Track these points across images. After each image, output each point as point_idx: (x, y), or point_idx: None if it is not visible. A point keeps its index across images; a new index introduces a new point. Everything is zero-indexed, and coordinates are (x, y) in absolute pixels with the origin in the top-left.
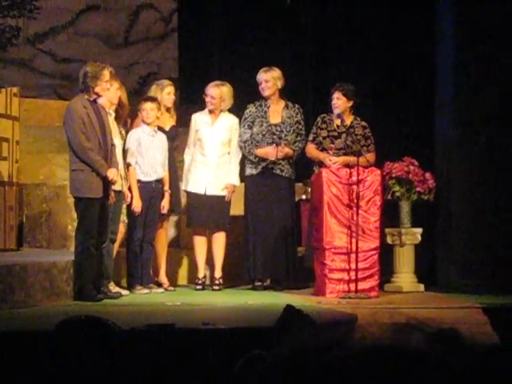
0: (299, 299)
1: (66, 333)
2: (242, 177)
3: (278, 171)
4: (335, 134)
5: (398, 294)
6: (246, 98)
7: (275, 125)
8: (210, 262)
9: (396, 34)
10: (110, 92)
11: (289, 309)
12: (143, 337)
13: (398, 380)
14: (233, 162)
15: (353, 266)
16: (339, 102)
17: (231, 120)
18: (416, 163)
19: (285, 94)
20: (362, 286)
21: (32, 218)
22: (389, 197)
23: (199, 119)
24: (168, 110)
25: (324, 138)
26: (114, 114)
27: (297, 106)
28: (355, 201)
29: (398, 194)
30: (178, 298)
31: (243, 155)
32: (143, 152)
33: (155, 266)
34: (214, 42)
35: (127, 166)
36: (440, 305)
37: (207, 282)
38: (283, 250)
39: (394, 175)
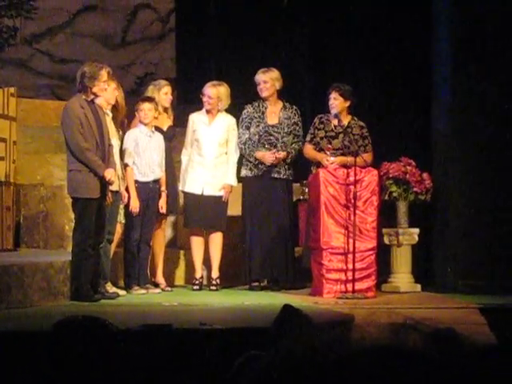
0: (296, 299)
1: (64, 333)
2: (239, 177)
3: (275, 174)
4: (332, 134)
5: (395, 295)
6: (243, 98)
7: (272, 126)
8: (207, 262)
9: (394, 34)
10: (107, 92)
11: (287, 308)
12: (140, 337)
13: (395, 380)
14: (230, 163)
15: (350, 266)
16: (336, 102)
17: (228, 120)
18: (413, 163)
19: (282, 94)
20: (359, 286)
21: (29, 219)
22: (386, 197)
23: (196, 119)
24: (165, 110)
25: (321, 138)
26: (111, 114)
27: (294, 107)
28: (352, 201)
29: (395, 194)
30: (175, 298)
31: (243, 156)
32: (141, 152)
33: (152, 266)
34: (211, 42)
35: (125, 166)
36: (437, 305)
37: (204, 282)
38: (280, 250)
39: (391, 175)
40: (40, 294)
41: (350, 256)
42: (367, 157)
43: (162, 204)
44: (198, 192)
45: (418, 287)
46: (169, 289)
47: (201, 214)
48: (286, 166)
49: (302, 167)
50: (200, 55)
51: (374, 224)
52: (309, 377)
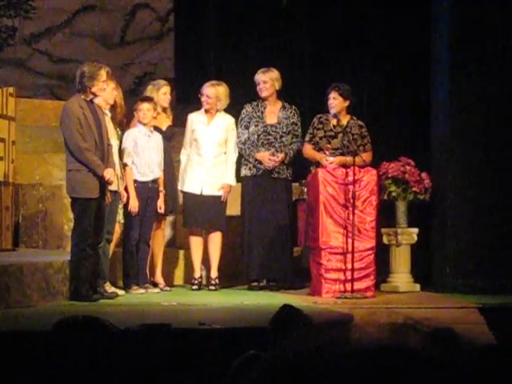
0: (295, 299)
1: (64, 333)
2: (238, 177)
3: (275, 174)
4: (332, 134)
5: (395, 294)
6: (242, 98)
7: (271, 125)
8: (206, 262)
9: (393, 34)
10: (105, 92)
11: (285, 308)
12: (139, 337)
13: (394, 380)
14: (229, 162)
15: (349, 265)
16: (335, 101)
17: (227, 120)
18: (412, 163)
19: (281, 94)
20: (357, 285)
21: (28, 218)
22: (385, 197)
23: (195, 119)
24: (164, 110)
25: (321, 138)
26: (110, 114)
27: (294, 107)
28: (351, 201)
29: (394, 193)
30: (174, 298)
31: (242, 156)
32: (140, 152)
33: (151, 266)
34: (210, 42)
35: (124, 166)
36: (436, 305)
37: (203, 282)
38: (279, 250)
39: (390, 175)
40: (39, 294)
41: (349, 256)
42: (366, 156)
43: (160, 204)
44: (197, 192)
45: (417, 287)
46: (168, 288)
47: (200, 213)
48: (285, 166)
49: (301, 167)
50: (199, 55)
51: (373, 224)
52: (308, 377)
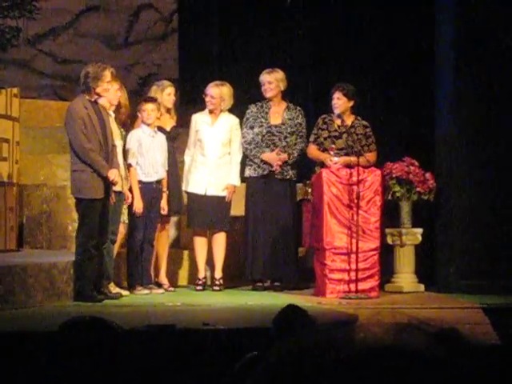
0: (299, 299)
1: (70, 333)
2: (243, 177)
3: (278, 175)
4: (336, 134)
5: (399, 295)
6: (246, 98)
7: (275, 126)
8: (210, 262)
9: (396, 33)
10: (109, 93)
11: (288, 308)
12: (143, 337)
13: (399, 380)
14: (233, 163)
15: (353, 266)
16: (340, 102)
17: (231, 120)
18: (416, 163)
19: (285, 94)
20: (362, 286)
21: (32, 219)
22: (389, 197)
23: (199, 119)
24: (168, 110)
25: (325, 138)
26: (113, 115)
27: (298, 107)
28: (355, 201)
29: (398, 194)
30: (178, 298)
31: (247, 156)
32: (144, 152)
33: (155, 266)
34: (213, 42)
35: (128, 166)
36: (440, 305)
37: (207, 282)
38: (284, 250)
39: (394, 175)
40: (43, 295)
41: (353, 256)
42: (371, 156)
43: (164, 205)
44: (201, 192)
45: (422, 287)
46: (172, 289)
47: (204, 214)
48: (290, 167)
49: (305, 167)
50: (203, 55)
51: (377, 224)
52: (312, 377)
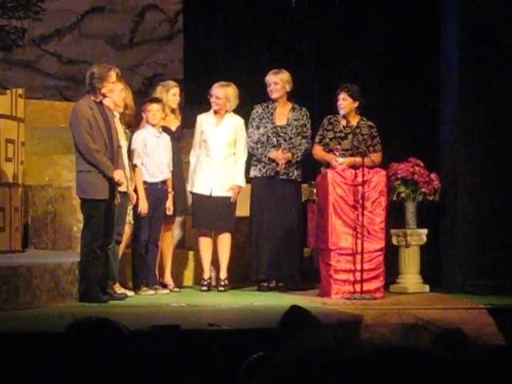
0: (305, 300)
1: (77, 334)
2: (248, 178)
3: (284, 175)
4: (341, 135)
5: (404, 295)
6: (251, 99)
7: (280, 126)
8: (215, 263)
9: (401, 34)
10: (113, 94)
11: (293, 309)
12: (149, 338)
13: (405, 380)
14: (238, 163)
15: (358, 266)
16: (345, 102)
17: (236, 121)
18: (421, 164)
19: (290, 95)
20: (367, 286)
21: (37, 220)
22: (394, 198)
23: (204, 120)
24: (173, 111)
25: (330, 139)
26: (118, 115)
27: (304, 108)
28: (360, 202)
29: (403, 194)
30: (183, 299)
31: (253, 156)
32: (149, 153)
33: (160, 267)
34: (219, 42)
35: (133, 167)
36: (446, 306)
37: (212, 283)
38: (288, 251)
39: (399, 176)
40: (48, 295)
41: (359, 257)
42: (376, 157)
43: (169, 205)
44: (207, 193)
45: (427, 288)
46: (177, 289)
47: (209, 214)
48: (295, 167)
49: (310, 168)
50: (208, 56)
51: (382, 225)
52: (318, 378)
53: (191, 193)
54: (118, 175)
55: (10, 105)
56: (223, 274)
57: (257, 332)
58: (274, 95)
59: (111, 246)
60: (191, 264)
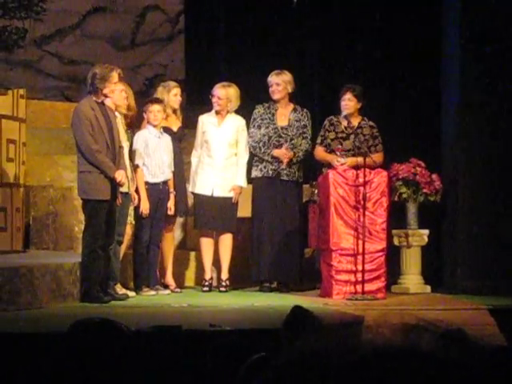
0: (306, 301)
1: (80, 334)
2: (249, 178)
3: (284, 177)
4: (343, 135)
5: (405, 296)
6: (252, 99)
7: (282, 127)
8: (216, 263)
9: (403, 34)
10: (114, 94)
11: (296, 310)
12: (150, 338)
13: (407, 380)
14: (240, 164)
15: (359, 267)
16: (351, 103)
17: (238, 121)
18: (423, 164)
19: (292, 95)
20: (368, 287)
21: (39, 220)
22: (395, 198)
23: (206, 120)
24: (174, 111)
25: (332, 140)
26: (119, 116)
27: (305, 109)
28: (362, 202)
29: (404, 195)
30: (184, 299)
31: (255, 155)
32: (151, 153)
33: (162, 267)
34: (220, 43)
35: (135, 167)
36: (447, 306)
37: (214, 283)
38: (289, 251)
39: (400, 176)
40: (49, 296)
41: (360, 257)
42: (377, 157)
43: (171, 205)
44: (208, 193)
45: (428, 288)
46: (178, 290)
47: (211, 215)
48: (296, 168)
49: (311, 168)
50: (209, 56)
51: (384, 225)
52: (319, 378)
53: (193, 193)
54: (119, 176)
55: (11, 105)
56: (224, 275)
57: (258, 332)
58: (276, 96)
59: (112, 247)
60: (192, 264)
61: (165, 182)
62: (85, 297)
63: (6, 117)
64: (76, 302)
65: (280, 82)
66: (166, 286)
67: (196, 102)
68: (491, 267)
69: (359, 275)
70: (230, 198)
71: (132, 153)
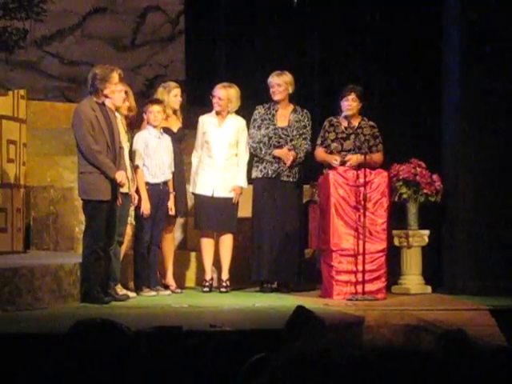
0: (306, 301)
1: (81, 335)
2: (250, 179)
3: (285, 177)
4: (344, 135)
5: (406, 296)
6: (253, 100)
7: (282, 128)
8: (217, 264)
9: (403, 34)
10: (115, 94)
11: (299, 310)
12: (150, 339)
13: (408, 380)
14: (240, 164)
15: (360, 267)
16: (354, 104)
17: (238, 122)
18: (423, 165)
19: (292, 96)
20: (369, 287)
21: (39, 221)
22: (396, 199)
23: (206, 121)
24: (175, 112)
25: (332, 140)
26: (119, 116)
27: (305, 110)
28: (362, 203)
29: (405, 195)
30: (184, 300)
31: (256, 156)
32: (151, 154)
33: (162, 268)
34: (220, 44)
35: (135, 168)
36: (447, 307)
37: (214, 284)
38: (290, 252)
39: (401, 177)
40: (50, 297)
41: (360, 258)
42: (378, 157)
43: (171, 206)
44: (209, 194)
45: (429, 289)
46: (179, 290)
47: (211, 215)
48: (296, 169)
49: (312, 169)
50: (210, 57)
51: (384, 226)
52: (319, 378)
53: (193, 194)
54: (120, 176)
55: (11, 106)
56: (225, 275)
57: (259, 333)
58: (277, 97)
59: (113, 247)
60: (193, 265)
61: (165, 183)
62: (85, 297)
63: (6, 117)
64: (76, 303)
65: (281, 83)
66: (166, 287)
67: (196, 103)
68: (492, 268)
69: (360, 276)
70: (231, 199)
71: (132, 153)
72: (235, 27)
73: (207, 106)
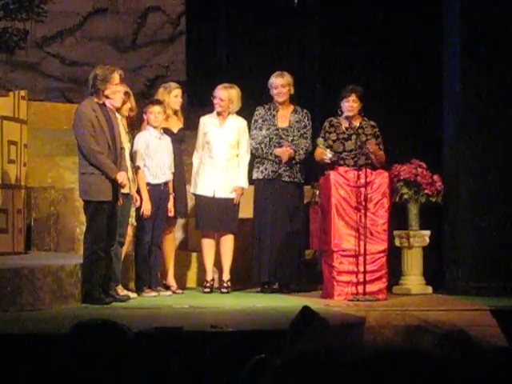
0: (307, 302)
1: (82, 335)
2: (251, 179)
3: (285, 178)
4: (345, 136)
5: (407, 297)
6: (254, 100)
7: (283, 129)
8: (218, 264)
9: (404, 35)
10: (115, 95)
11: (305, 310)
12: (151, 339)
13: (409, 381)
14: (241, 165)
15: (361, 268)
16: (355, 104)
17: (239, 122)
18: (424, 165)
19: (292, 96)
20: (370, 288)
21: (40, 221)
22: (397, 199)
23: (207, 122)
24: (175, 112)
25: (334, 141)
26: (120, 117)
27: (305, 110)
28: (363, 203)
29: (406, 196)
30: (185, 300)
31: (258, 156)
32: (152, 154)
33: (163, 268)
34: (221, 44)
35: (136, 168)
36: (449, 307)
37: (215, 284)
38: (291, 253)
39: (402, 177)
40: (51, 297)
41: (361, 258)
42: (382, 155)
43: (171, 207)
44: (210, 194)
45: (430, 289)
46: (180, 291)
47: (212, 216)
48: (297, 169)
49: (313, 170)
50: (211, 58)
51: (385, 226)
52: (321, 379)
53: (194, 194)
54: (121, 177)
55: (12, 106)
56: (226, 276)
57: (260, 334)
58: (281, 98)
59: (114, 248)
60: (194, 266)
61: (166, 183)
62: (86, 298)
63: (7, 118)
64: (77, 304)
65: (285, 84)
66: (167, 287)
67: (197, 104)
68: (493, 268)
69: (361, 276)
70: (232, 199)
71: (133, 154)
72: (236, 28)
73: (208, 107)
